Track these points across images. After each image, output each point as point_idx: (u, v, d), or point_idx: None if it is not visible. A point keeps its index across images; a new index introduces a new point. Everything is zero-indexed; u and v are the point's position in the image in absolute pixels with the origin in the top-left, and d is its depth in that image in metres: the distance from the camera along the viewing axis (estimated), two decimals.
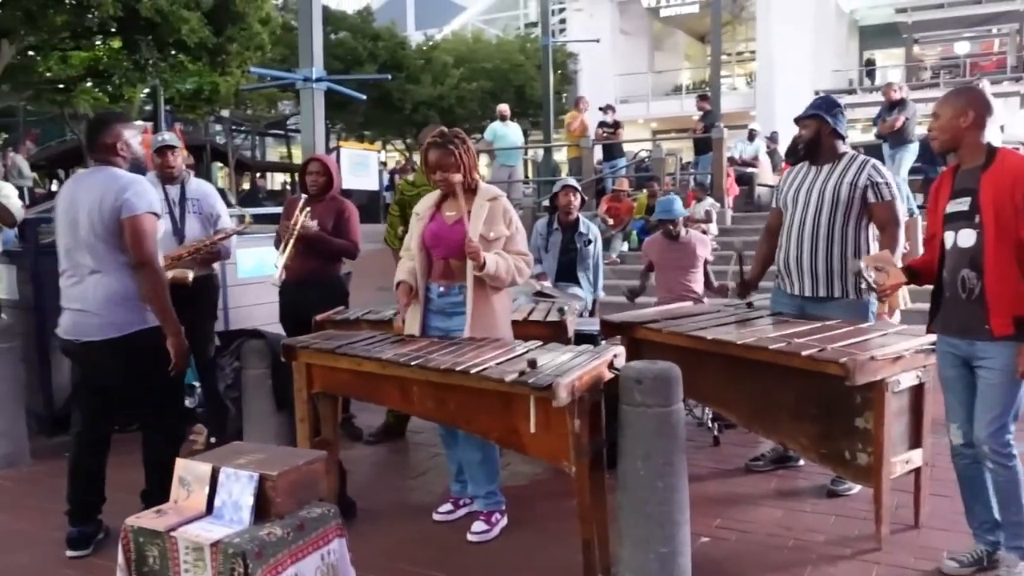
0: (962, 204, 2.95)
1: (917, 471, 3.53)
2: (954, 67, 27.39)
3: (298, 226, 4.59)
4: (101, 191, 3.27)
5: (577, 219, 5.68)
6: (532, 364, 2.91)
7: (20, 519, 3.83)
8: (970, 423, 3.02)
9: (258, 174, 28.01)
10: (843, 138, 3.98)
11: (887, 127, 10.46)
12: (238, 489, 2.26)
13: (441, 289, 3.59)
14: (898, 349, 3.25)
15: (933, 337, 3.38)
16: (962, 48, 28.65)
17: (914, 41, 27.42)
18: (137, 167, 3.44)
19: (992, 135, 3.07)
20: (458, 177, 3.49)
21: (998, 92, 10.05)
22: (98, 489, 3.49)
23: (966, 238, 2.93)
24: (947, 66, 27.79)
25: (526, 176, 16.84)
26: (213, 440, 3.85)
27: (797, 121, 4.03)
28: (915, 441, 3.50)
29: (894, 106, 10.51)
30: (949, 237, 2.99)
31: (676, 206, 5.55)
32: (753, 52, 28.33)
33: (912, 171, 11.15)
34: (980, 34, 28.02)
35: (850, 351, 3.18)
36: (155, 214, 3.31)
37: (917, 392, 3.47)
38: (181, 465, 2.37)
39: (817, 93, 24.07)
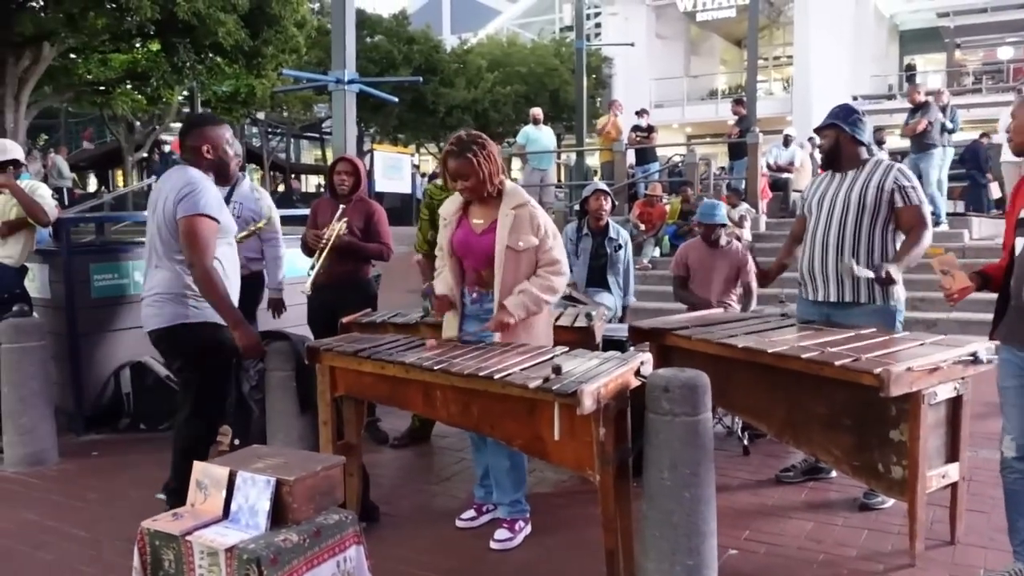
0: None
1: (954, 486, 3.43)
2: (997, 72, 26.89)
3: (333, 237, 4.60)
4: (170, 189, 3.42)
5: (607, 224, 5.61)
6: (557, 370, 2.85)
7: (47, 517, 3.85)
8: None
9: (292, 176, 28.28)
10: (864, 145, 3.91)
11: (909, 130, 10.29)
12: (255, 494, 2.23)
13: (474, 296, 3.55)
14: (935, 360, 3.15)
15: (972, 347, 3.29)
16: (1005, 53, 28.11)
17: (956, 46, 26.97)
18: (222, 169, 3.57)
19: None
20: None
21: None
22: None
23: None
24: (990, 71, 27.30)
25: (558, 180, 16.79)
26: (237, 442, 3.85)
27: (817, 131, 4.01)
28: (952, 455, 3.40)
29: (918, 109, 10.32)
30: (1019, 243, 2.88)
31: (719, 211, 5.45)
32: (790, 57, 28.04)
33: (955, 177, 10.97)
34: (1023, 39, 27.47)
35: (885, 361, 3.08)
36: (211, 217, 3.39)
37: (955, 404, 3.37)
38: (199, 468, 2.35)
39: (855, 98, 23.79)
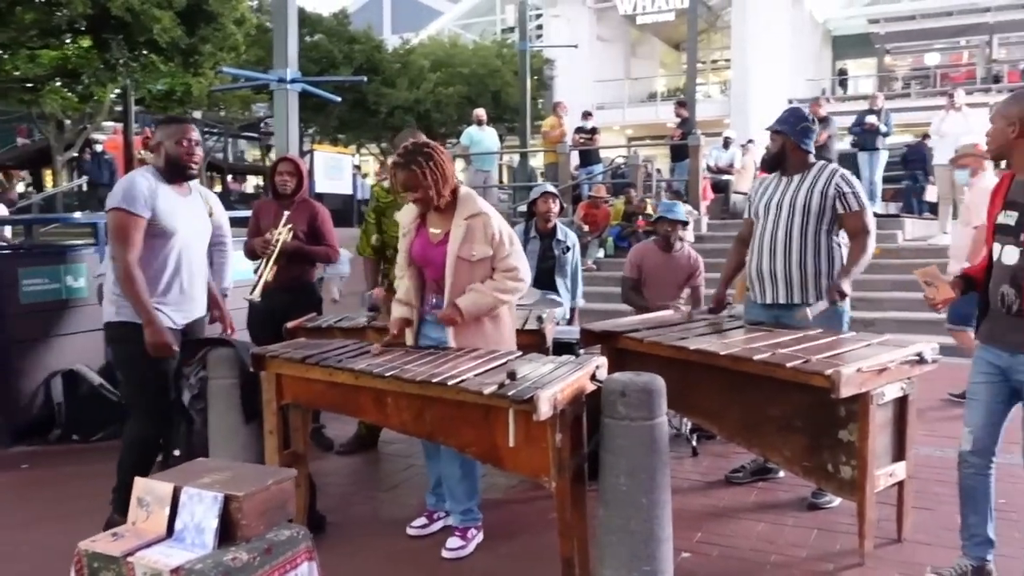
0: (1010, 218, 2.87)
1: (900, 484, 3.48)
2: (925, 78, 27.73)
3: (279, 243, 4.49)
4: None
5: (555, 226, 5.58)
6: (512, 376, 2.81)
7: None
8: (984, 430, 2.97)
9: (231, 177, 27.73)
10: (810, 153, 3.96)
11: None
12: (201, 511, 2.13)
13: (434, 300, 3.48)
14: (883, 361, 3.19)
15: (918, 348, 3.35)
16: (932, 59, 29.02)
17: (886, 52, 27.72)
18: (172, 168, 3.57)
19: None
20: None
21: (970, 103, 10.13)
22: None
23: (1009, 255, 2.84)
24: (918, 76, 28.13)
25: (501, 181, 16.76)
26: (177, 453, 3.71)
27: (768, 131, 4.07)
28: (899, 454, 3.45)
29: (820, 122, 10.57)
30: (996, 249, 2.92)
31: (679, 208, 5.49)
32: (728, 60, 28.47)
33: (895, 179, 11.26)
34: (950, 46, 28.39)
35: (835, 363, 3.11)
36: (128, 211, 3.38)
37: (901, 404, 3.42)
38: (140, 485, 2.24)
39: (791, 102, 24.22)
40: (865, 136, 11.16)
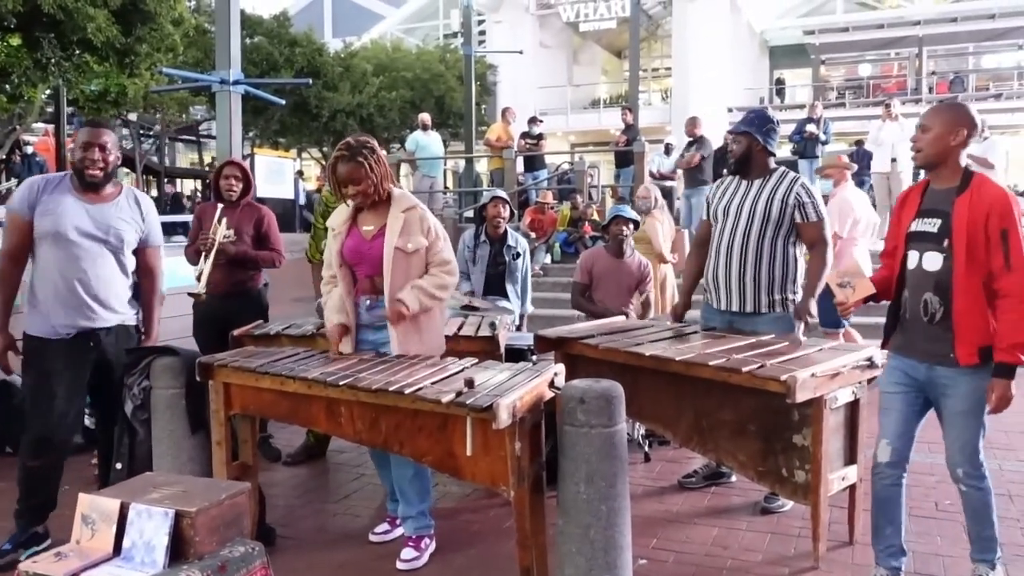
0: (930, 225, 2.88)
1: (852, 487, 3.53)
2: (858, 88, 28.51)
3: (218, 237, 4.37)
4: None
5: (506, 232, 5.56)
6: (470, 384, 2.76)
7: None
8: (900, 440, 2.99)
9: (167, 180, 27.07)
10: (773, 155, 3.98)
11: (684, 163, 10.86)
12: (151, 528, 2.03)
13: (368, 302, 3.45)
14: (836, 365, 3.23)
15: (868, 352, 3.39)
16: (865, 70, 29.86)
17: (821, 62, 28.42)
18: (76, 172, 3.47)
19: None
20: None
21: (903, 112, 10.40)
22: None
23: (932, 261, 2.85)
24: (852, 87, 28.89)
25: (446, 187, 16.67)
26: (119, 466, 3.57)
27: (730, 134, 4.02)
28: (850, 457, 3.50)
29: (694, 143, 10.82)
30: (913, 257, 2.92)
31: (629, 209, 5.60)
32: (668, 68, 28.86)
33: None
34: (881, 57, 29.25)
35: (790, 368, 3.14)
36: (8, 208, 3.47)
37: (853, 408, 3.47)
38: (84, 501, 2.13)
39: (730, 110, 24.71)
40: (805, 144, 11.40)
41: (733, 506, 4.03)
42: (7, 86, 14.19)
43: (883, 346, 3.14)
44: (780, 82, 30.39)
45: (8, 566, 3.23)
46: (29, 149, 16.05)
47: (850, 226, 5.95)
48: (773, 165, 3.96)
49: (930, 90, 25.39)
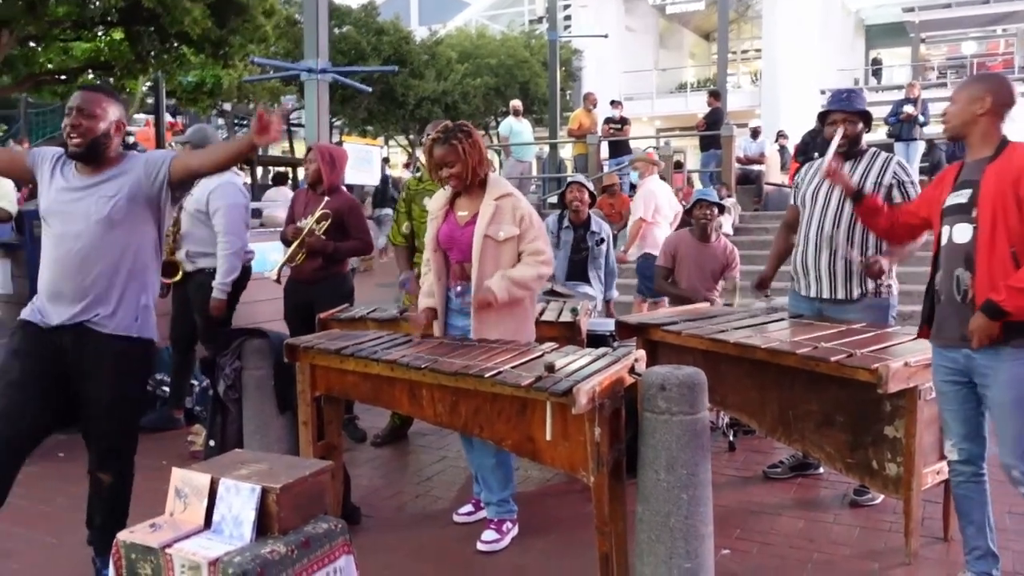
0: (961, 196, 2.76)
1: (947, 482, 3.38)
2: (960, 67, 27.24)
3: (304, 232, 4.48)
4: None
5: (589, 217, 5.52)
6: (550, 368, 2.75)
7: (12, 523, 3.66)
8: (968, 440, 2.85)
9: (259, 168, 27.86)
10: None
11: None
12: (239, 503, 2.10)
13: (459, 289, 3.47)
14: (930, 355, 3.09)
15: None
16: (969, 48, 28.49)
17: (921, 41, 27.25)
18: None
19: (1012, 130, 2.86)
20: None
21: None
22: None
23: (961, 233, 2.73)
24: (953, 66, 27.63)
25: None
26: (212, 443, 3.71)
27: (837, 114, 3.72)
28: None
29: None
30: (945, 232, 2.81)
31: (714, 192, 5.46)
32: (758, 51, 28.16)
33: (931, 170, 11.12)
34: (987, 34, 27.86)
35: (881, 357, 3.03)
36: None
37: None
38: (178, 475, 2.22)
39: (823, 92, 23.94)
40: (901, 126, 10.97)
41: (820, 498, 3.93)
42: (110, 79, 14.85)
43: (920, 334, 3.01)
44: (876, 62, 29.27)
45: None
46: (131, 139, 16.73)
47: (653, 211, 7.26)
48: (863, 145, 3.82)
49: None
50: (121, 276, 2.89)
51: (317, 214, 4.54)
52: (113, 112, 2.92)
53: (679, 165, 14.36)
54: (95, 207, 2.85)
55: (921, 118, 10.92)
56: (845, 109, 3.72)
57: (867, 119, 3.80)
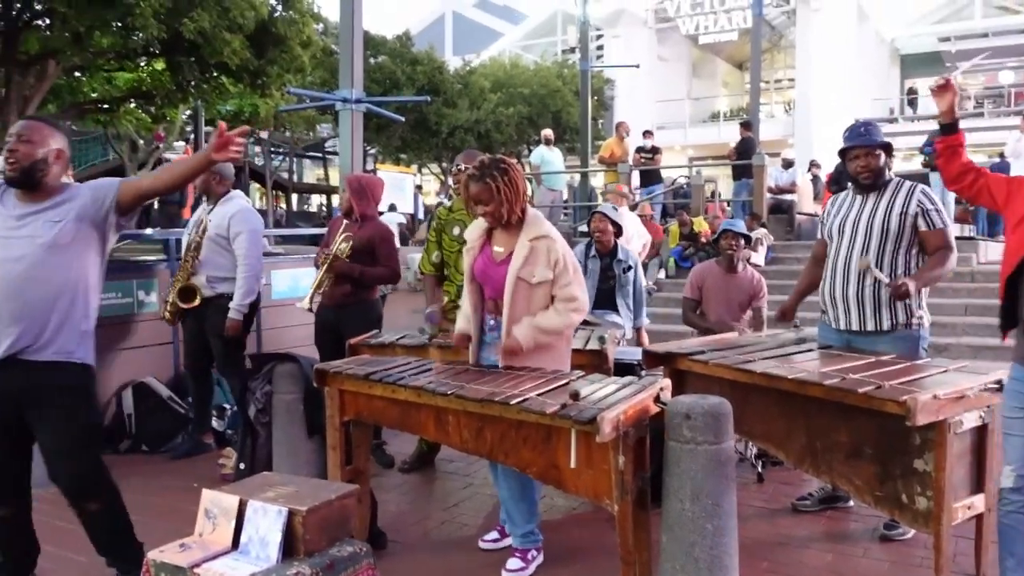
0: None
1: (979, 517, 3.33)
2: (998, 96, 26.94)
3: (330, 255, 4.55)
4: None
5: (616, 246, 5.54)
6: (575, 396, 2.77)
7: (45, 541, 3.73)
8: None
9: (294, 195, 28.30)
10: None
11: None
12: (266, 524, 2.14)
13: (492, 322, 3.45)
14: (961, 387, 3.07)
15: (997, 375, 3.20)
16: (1006, 78, 28.17)
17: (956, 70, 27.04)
18: None
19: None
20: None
21: None
22: None
23: None
24: (991, 96, 27.33)
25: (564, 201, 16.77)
26: (242, 466, 3.76)
27: (860, 148, 3.73)
28: (978, 485, 3.30)
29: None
30: None
31: (742, 224, 5.53)
32: (792, 80, 28.13)
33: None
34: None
35: (910, 389, 3.00)
36: None
37: (980, 433, 3.27)
38: (207, 496, 2.27)
39: (857, 121, 23.85)
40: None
41: (850, 531, 3.88)
42: (151, 107, 15.21)
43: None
44: (912, 91, 29.05)
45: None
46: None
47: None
48: (888, 176, 3.81)
49: None
50: (63, 301, 2.88)
51: (340, 237, 4.61)
52: (53, 141, 2.91)
53: (713, 195, 14.39)
54: (41, 231, 2.84)
55: None
56: (865, 144, 3.72)
57: (888, 149, 3.79)
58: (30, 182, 2.86)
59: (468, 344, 3.49)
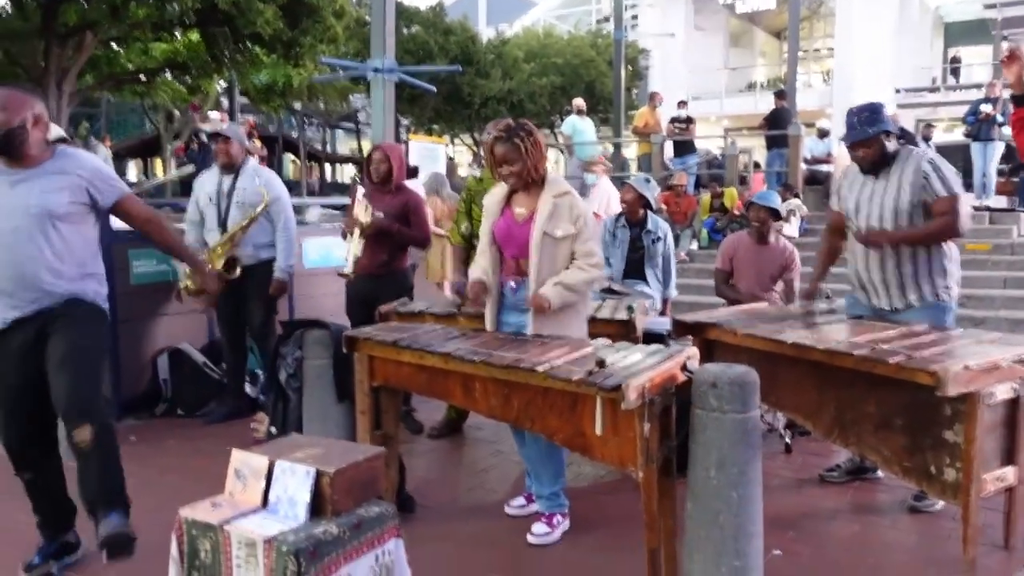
0: None
1: (1010, 490, 3.30)
2: None
3: (360, 218, 4.56)
4: None
5: (646, 216, 5.51)
6: (601, 363, 2.78)
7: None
8: None
9: (327, 165, 28.44)
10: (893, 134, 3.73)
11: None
12: (294, 484, 2.19)
13: (512, 285, 3.50)
14: (993, 359, 3.03)
15: None
16: None
17: (1003, 38, 26.25)
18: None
19: None
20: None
21: None
22: None
23: None
24: None
25: None
26: (274, 430, 3.83)
27: (854, 145, 3.71)
28: (1009, 457, 3.26)
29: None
30: None
31: (773, 197, 5.42)
32: (830, 49, 27.56)
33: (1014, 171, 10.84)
34: None
35: (941, 359, 2.97)
36: None
37: (1013, 405, 3.23)
38: (237, 457, 2.31)
39: (898, 91, 23.33)
40: (980, 126, 10.65)
41: (877, 503, 3.86)
42: (187, 78, 15.34)
43: None
44: (956, 60, 28.33)
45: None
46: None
47: (605, 207, 7.90)
48: (893, 147, 3.71)
49: None
50: (65, 264, 2.98)
51: (365, 206, 4.59)
52: (28, 107, 2.93)
53: (757, 166, 14.20)
54: (34, 199, 2.91)
55: (1000, 118, 10.56)
56: (859, 139, 3.67)
57: (888, 134, 3.68)
58: (10, 150, 2.90)
59: (484, 291, 3.49)
